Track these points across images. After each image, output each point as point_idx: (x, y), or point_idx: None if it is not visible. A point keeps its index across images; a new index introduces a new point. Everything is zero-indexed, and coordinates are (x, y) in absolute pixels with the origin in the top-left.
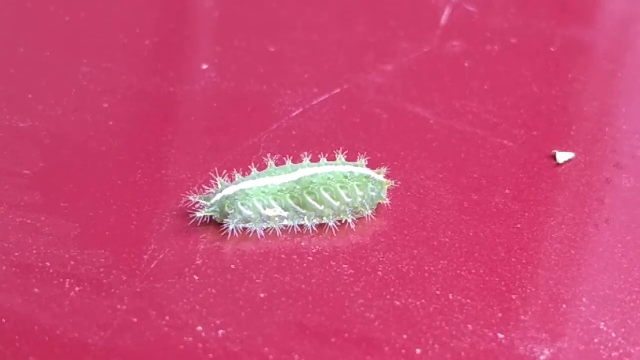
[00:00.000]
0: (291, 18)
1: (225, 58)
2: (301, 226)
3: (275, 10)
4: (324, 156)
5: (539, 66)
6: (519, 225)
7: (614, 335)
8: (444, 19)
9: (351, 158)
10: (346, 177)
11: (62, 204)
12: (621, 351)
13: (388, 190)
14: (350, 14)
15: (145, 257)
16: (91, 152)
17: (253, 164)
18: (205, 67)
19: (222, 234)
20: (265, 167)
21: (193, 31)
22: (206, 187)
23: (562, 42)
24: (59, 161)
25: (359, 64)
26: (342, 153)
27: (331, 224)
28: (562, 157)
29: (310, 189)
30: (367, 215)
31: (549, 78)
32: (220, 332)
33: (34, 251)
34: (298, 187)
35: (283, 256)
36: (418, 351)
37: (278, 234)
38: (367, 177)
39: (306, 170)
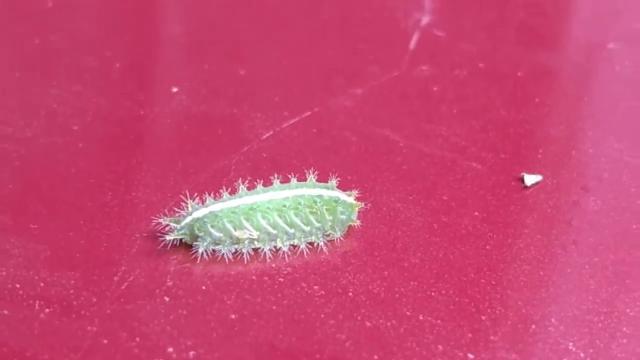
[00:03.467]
0: (260, 42)
1: (195, 81)
2: (271, 250)
3: (243, 34)
4: (294, 176)
5: (506, 90)
6: (487, 247)
7: (582, 355)
8: (412, 44)
9: (322, 180)
10: (315, 202)
11: (32, 226)
12: None
13: (358, 211)
14: (319, 38)
15: (116, 278)
16: (61, 174)
17: (224, 188)
18: (175, 89)
19: (192, 256)
20: (236, 191)
21: (162, 54)
22: (177, 210)
23: (528, 66)
24: (28, 183)
25: (328, 87)
26: (313, 174)
27: (302, 245)
28: (530, 179)
29: (281, 211)
30: (338, 237)
31: (516, 102)
32: (192, 353)
33: (3, 272)
34: (270, 206)
35: (254, 277)
36: None
37: (246, 258)
38: (336, 200)
39: (277, 193)
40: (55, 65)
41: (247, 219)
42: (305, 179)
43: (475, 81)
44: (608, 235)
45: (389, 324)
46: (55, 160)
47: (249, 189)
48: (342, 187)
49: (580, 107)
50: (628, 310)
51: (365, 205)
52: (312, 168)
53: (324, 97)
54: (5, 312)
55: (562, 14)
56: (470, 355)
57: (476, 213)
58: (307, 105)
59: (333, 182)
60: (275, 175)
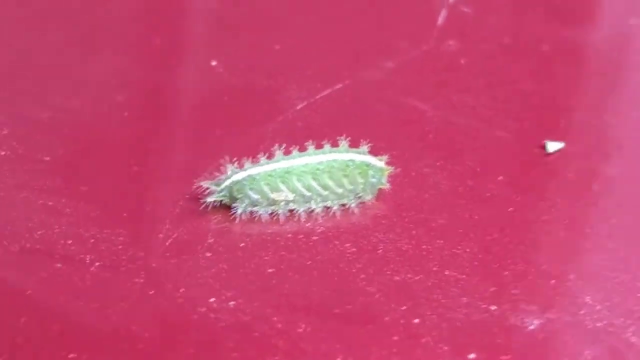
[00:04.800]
0: (294, 17)
1: (233, 55)
2: (305, 212)
3: (278, 10)
4: (328, 143)
5: (531, 64)
6: (511, 209)
7: (598, 307)
8: (440, 20)
9: (353, 146)
10: (348, 166)
11: (82, 188)
12: (605, 322)
13: (388, 176)
14: (350, 15)
15: (161, 235)
16: (108, 140)
17: (262, 154)
18: (214, 63)
19: (231, 217)
20: (274, 156)
21: (199, 30)
22: (217, 173)
23: (553, 42)
24: (77, 149)
25: (359, 61)
26: (345, 140)
27: (335, 207)
28: (552, 146)
29: (315, 174)
30: (369, 200)
31: (540, 75)
32: (232, 303)
33: (56, 230)
34: (305, 170)
35: (289, 235)
36: (416, 321)
37: (282, 219)
38: (368, 164)
39: (312, 157)
40: (98, 40)
41: (283, 182)
42: (338, 146)
43: (501, 55)
44: (626, 199)
45: (416, 278)
46: (102, 128)
47: (285, 154)
48: (373, 153)
49: (602, 79)
50: None
51: (395, 170)
52: (344, 135)
53: (355, 70)
54: (59, 265)
55: None
56: (493, 307)
57: (500, 178)
58: (339, 77)
59: (364, 147)
60: (311, 141)
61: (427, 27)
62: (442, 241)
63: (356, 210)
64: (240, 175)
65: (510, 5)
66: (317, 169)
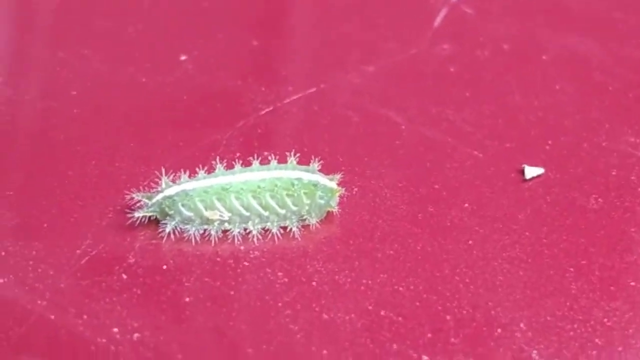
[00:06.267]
0: (279, 12)
1: (206, 50)
2: (241, 233)
3: (263, 4)
4: (275, 158)
5: (526, 74)
6: (470, 242)
7: None
8: (438, 20)
9: (305, 162)
10: (293, 185)
11: (8, 192)
12: None
13: (341, 197)
14: (342, 11)
15: (78, 251)
16: (48, 140)
17: (200, 166)
18: (183, 58)
19: (160, 235)
20: (214, 170)
21: (177, 21)
22: (154, 185)
23: (556, 50)
24: (13, 149)
25: (340, 63)
26: (294, 156)
27: (274, 229)
28: (531, 172)
29: (256, 192)
30: (314, 223)
31: (534, 87)
32: (136, 335)
33: None
34: (244, 188)
35: (218, 259)
36: None
37: (214, 240)
38: (316, 184)
39: (254, 174)
40: (69, 28)
41: (219, 199)
42: (286, 161)
43: (495, 63)
44: (602, 237)
45: (347, 317)
46: (46, 126)
47: (241, 165)
48: (330, 169)
49: (602, 96)
50: (605, 320)
51: (351, 190)
52: (305, 147)
53: (333, 73)
54: None
55: None
56: (425, 357)
57: (466, 205)
58: (314, 81)
59: (315, 165)
60: (255, 156)
61: (422, 27)
62: (385, 276)
63: (298, 234)
64: (173, 190)
65: (517, 8)
66: (258, 187)
